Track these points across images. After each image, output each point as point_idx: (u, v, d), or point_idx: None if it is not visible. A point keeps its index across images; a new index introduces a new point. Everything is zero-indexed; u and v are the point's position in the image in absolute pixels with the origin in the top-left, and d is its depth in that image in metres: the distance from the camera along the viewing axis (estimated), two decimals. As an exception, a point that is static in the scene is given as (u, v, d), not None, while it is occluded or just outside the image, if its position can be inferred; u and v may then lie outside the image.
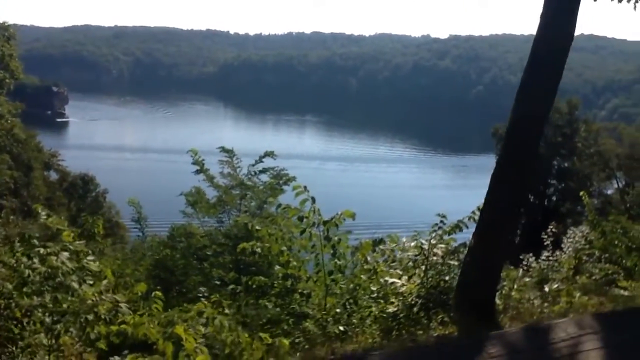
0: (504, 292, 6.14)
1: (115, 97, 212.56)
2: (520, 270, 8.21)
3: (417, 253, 6.17)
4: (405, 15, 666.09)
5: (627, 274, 10.43)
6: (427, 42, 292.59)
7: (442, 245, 6.30)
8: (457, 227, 6.77)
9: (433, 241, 6.20)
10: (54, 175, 53.05)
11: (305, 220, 6.21)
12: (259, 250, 6.67)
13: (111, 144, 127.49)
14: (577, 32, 5.33)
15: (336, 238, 6.29)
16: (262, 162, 12.00)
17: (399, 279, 5.93)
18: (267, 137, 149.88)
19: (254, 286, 7.14)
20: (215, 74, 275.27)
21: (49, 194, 48.10)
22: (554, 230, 12.69)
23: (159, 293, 6.70)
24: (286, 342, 4.61)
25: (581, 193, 11.80)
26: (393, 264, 6.38)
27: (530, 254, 11.69)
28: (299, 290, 6.38)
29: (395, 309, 5.55)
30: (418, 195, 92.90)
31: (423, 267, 5.99)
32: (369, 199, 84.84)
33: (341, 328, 5.32)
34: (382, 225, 52.19)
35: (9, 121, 34.76)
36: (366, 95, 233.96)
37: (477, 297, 5.25)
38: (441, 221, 6.94)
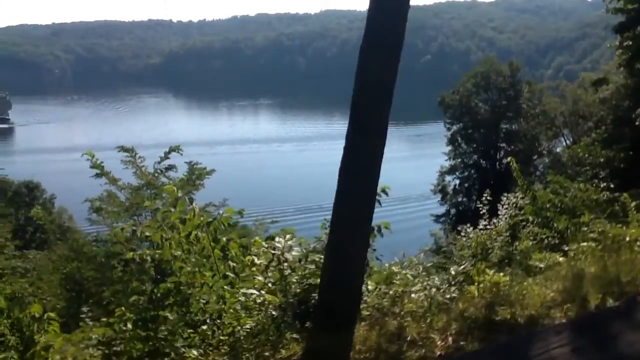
0: (374, 291, 5.50)
1: (61, 97, 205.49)
2: (422, 254, 7.67)
3: (269, 259, 5.53)
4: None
5: (561, 237, 10.32)
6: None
7: (298, 247, 5.54)
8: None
9: (289, 243, 5.56)
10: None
11: (187, 222, 5.68)
12: (148, 258, 6.13)
13: (61, 146, 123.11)
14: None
15: (224, 239, 5.78)
16: (168, 158, 11.31)
17: (262, 287, 5.27)
18: (222, 125, 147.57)
19: (159, 295, 6.59)
20: (161, 64, 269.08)
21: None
22: (489, 198, 12.47)
23: (52, 314, 6.24)
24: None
25: (509, 159, 11.61)
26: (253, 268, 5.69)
27: (468, 225, 11.50)
28: (197, 298, 5.81)
29: (254, 323, 5.00)
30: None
31: (279, 274, 5.36)
32: (325, 178, 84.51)
33: (195, 352, 4.78)
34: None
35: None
36: (316, 73, 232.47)
37: (333, 303, 4.65)
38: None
